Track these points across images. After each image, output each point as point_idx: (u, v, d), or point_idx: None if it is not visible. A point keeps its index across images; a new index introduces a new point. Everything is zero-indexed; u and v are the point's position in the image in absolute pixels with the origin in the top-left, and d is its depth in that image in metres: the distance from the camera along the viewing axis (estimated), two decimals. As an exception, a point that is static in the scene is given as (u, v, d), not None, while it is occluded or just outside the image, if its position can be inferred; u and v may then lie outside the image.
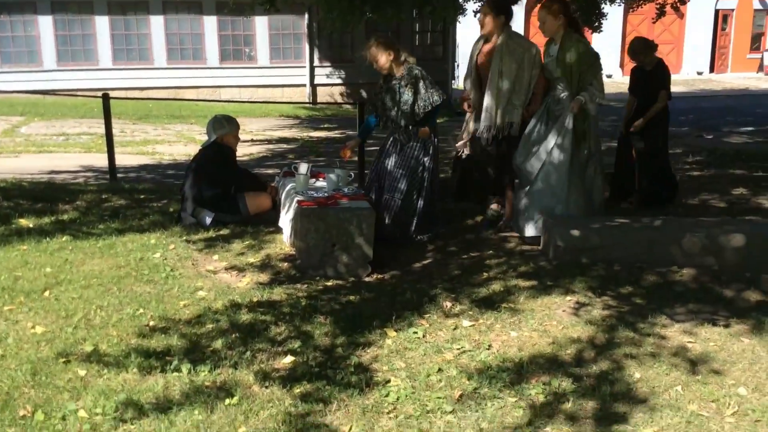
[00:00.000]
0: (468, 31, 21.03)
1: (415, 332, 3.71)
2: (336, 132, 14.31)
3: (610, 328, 3.80)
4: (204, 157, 5.82)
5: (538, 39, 5.48)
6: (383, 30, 20.03)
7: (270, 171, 9.62)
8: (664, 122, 6.47)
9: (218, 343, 3.48)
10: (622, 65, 25.81)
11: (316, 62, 20.12)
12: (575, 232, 4.90)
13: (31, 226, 5.50)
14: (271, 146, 12.54)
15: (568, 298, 4.23)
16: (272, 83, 20.08)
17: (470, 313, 4.00)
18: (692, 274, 4.65)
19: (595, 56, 5.32)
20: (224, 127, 5.83)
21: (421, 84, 5.23)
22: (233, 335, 3.59)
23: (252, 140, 13.25)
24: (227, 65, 19.87)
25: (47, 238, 5.09)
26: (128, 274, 4.43)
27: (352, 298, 4.24)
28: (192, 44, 19.71)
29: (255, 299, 4.11)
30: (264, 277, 4.57)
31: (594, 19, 12.52)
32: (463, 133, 5.86)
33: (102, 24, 19.07)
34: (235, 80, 19.82)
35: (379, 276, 4.77)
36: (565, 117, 5.24)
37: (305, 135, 14.05)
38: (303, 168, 5.47)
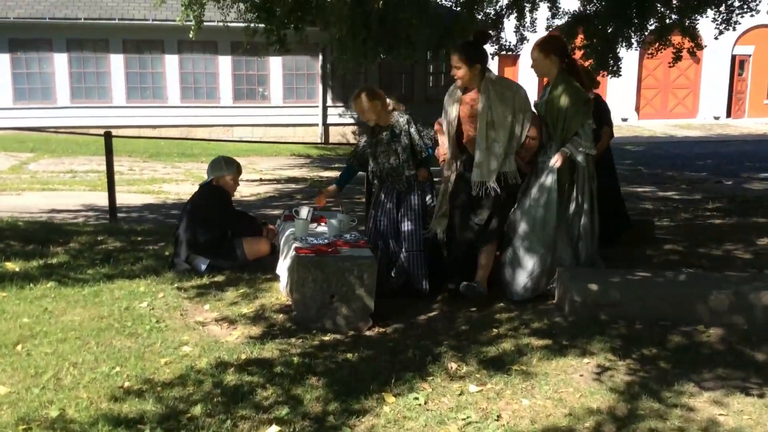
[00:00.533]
0: (482, 72, 20.97)
1: (416, 398, 3.36)
2: (346, 173, 14.05)
3: (632, 398, 3.43)
4: (199, 198, 5.56)
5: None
6: (397, 72, 20.02)
7: (275, 212, 9.35)
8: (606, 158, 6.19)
9: (197, 409, 3.14)
10: (637, 109, 25.61)
11: (329, 102, 20.06)
12: (593, 287, 4.55)
13: (17, 270, 5.23)
14: (279, 186, 12.33)
15: (586, 360, 3.87)
16: (285, 122, 20.02)
17: (477, 376, 3.65)
18: (720, 334, 4.28)
19: (585, 101, 4.90)
20: (222, 168, 5.57)
21: (413, 129, 5.07)
22: (215, 399, 3.25)
23: (261, 179, 13.06)
24: (240, 104, 19.85)
25: (31, 284, 4.82)
26: (110, 326, 4.12)
27: (349, 355, 3.90)
28: (206, 83, 19.74)
29: (243, 356, 3.78)
30: (256, 330, 4.25)
31: (610, 63, 12.33)
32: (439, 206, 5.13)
33: (117, 62, 19.15)
34: (248, 119, 19.78)
35: (381, 330, 4.45)
36: (548, 171, 4.89)
37: (315, 175, 13.85)
38: (303, 212, 5.19)
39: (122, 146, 17.14)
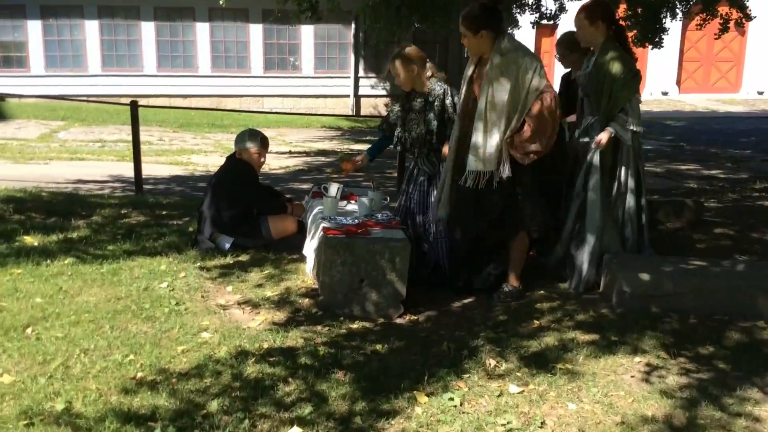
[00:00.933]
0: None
1: (451, 398, 3.07)
2: (378, 145, 13.71)
3: (690, 404, 3.10)
4: (223, 173, 5.30)
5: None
6: (431, 41, 19.50)
7: (304, 186, 9.10)
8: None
9: (214, 405, 2.90)
10: (678, 83, 24.75)
11: (361, 73, 19.68)
12: (644, 276, 4.20)
13: (35, 244, 5.03)
14: (308, 159, 12.06)
15: (637, 359, 3.54)
16: (316, 93, 19.70)
17: (518, 374, 3.35)
18: (783, 331, 3.93)
19: (634, 74, 4.49)
20: (245, 141, 5.28)
21: (448, 100, 4.59)
22: (233, 394, 3.01)
23: (290, 152, 12.80)
24: (271, 74, 19.56)
25: (48, 260, 4.61)
26: (127, 307, 3.89)
27: (378, 347, 3.62)
28: (237, 52, 19.46)
29: (266, 345, 3.53)
30: (280, 316, 3.99)
31: (655, 34, 11.76)
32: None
33: (148, 30, 18.96)
34: (278, 89, 19.49)
35: (413, 318, 4.16)
36: (592, 152, 4.52)
37: (345, 147, 13.55)
38: (333, 189, 4.89)
39: (152, 116, 17.05)
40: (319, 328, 3.86)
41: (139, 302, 3.99)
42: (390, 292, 4.19)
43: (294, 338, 3.66)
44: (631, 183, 4.61)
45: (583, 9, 4.58)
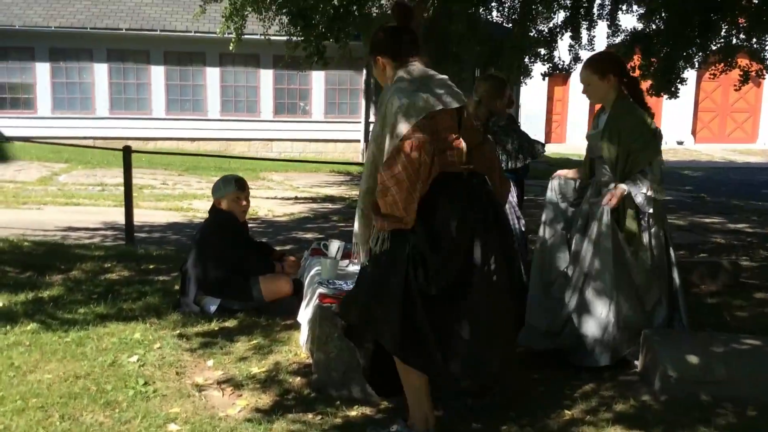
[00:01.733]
0: (533, 92, 19.99)
1: None
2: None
3: None
4: (205, 227, 4.77)
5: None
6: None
7: (308, 235, 8.57)
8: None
9: None
10: (694, 132, 24.28)
11: (372, 118, 19.32)
12: (692, 359, 3.60)
13: (0, 305, 4.49)
14: (315, 206, 11.55)
15: (693, 466, 2.92)
16: (326, 138, 19.36)
17: (551, 486, 2.74)
18: None
19: (654, 133, 3.91)
20: (220, 189, 4.74)
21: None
22: None
23: (296, 198, 12.32)
24: (281, 118, 19.26)
25: (8, 326, 4.06)
26: (85, 389, 3.32)
27: (381, 443, 3.02)
28: (247, 96, 19.21)
29: (244, 442, 2.94)
30: (266, 400, 3.40)
31: (671, 84, 11.37)
32: None
33: (157, 74, 18.75)
34: (288, 134, 19.17)
35: (422, 402, 3.55)
36: (600, 213, 3.92)
37: (353, 194, 13.04)
38: (333, 248, 4.35)
39: (159, 159, 16.70)
40: (310, 416, 3.27)
41: (101, 382, 3.41)
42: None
43: (279, 431, 3.07)
44: (654, 253, 4.01)
45: (591, 62, 4.05)
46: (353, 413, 3.35)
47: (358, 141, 19.37)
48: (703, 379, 3.56)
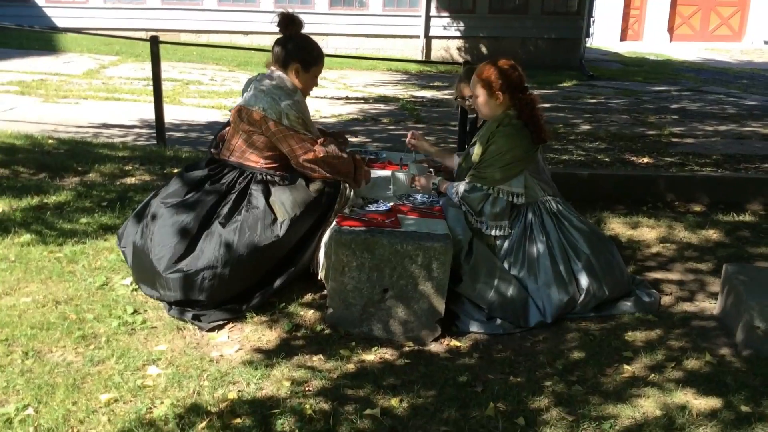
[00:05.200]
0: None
1: None
2: (445, 92, 12.42)
3: None
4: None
5: None
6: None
7: (354, 139, 7.98)
8: None
9: None
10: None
11: (433, 11, 18.18)
12: (788, 309, 2.93)
13: None
14: (366, 106, 10.86)
15: (785, 450, 2.33)
16: (383, 33, 18.33)
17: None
18: None
19: (516, 159, 3.35)
20: None
21: None
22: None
23: (347, 98, 11.63)
24: (337, 11, 18.26)
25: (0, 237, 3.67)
26: (62, 318, 2.89)
27: (395, 402, 2.52)
28: (302, -14, 18.20)
29: (233, 395, 2.47)
30: (269, 336, 2.93)
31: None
32: None
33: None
34: (343, 28, 18.21)
35: (454, 343, 3.04)
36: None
37: (408, 94, 12.27)
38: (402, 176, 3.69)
39: (210, 53, 16.13)
40: (318, 360, 2.78)
41: (83, 309, 2.98)
42: (424, 309, 3.07)
43: (277, 381, 2.59)
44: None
45: (477, 75, 3.48)
46: (370, 357, 2.85)
47: (418, 37, 18.31)
48: (799, 333, 2.90)
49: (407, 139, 4.00)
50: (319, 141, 3.35)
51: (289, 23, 3.43)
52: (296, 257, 3.25)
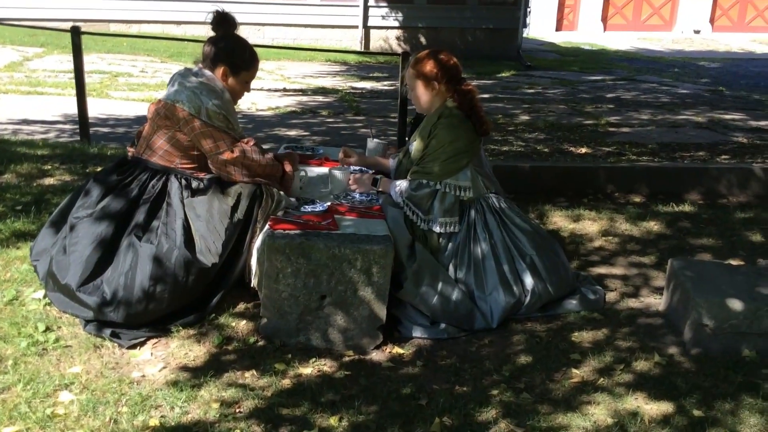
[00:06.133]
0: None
1: None
2: (384, 83, 12.27)
3: None
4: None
5: None
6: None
7: (291, 132, 7.75)
8: None
9: None
10: (712, 21, 22.70)
11: (371, 1, 17.97)
12: (734, 305, 2.86)
13: None
14: (304, 98, 10.61)
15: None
16: (322, 23, 18.02)
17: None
18: None
19: (461, 151, 3.25)
20: None
21: None
22: None
23: (284, 90, 11.35)
24: (274, 0, 17.87)
25: None
26: (-35, 338, 2.62)
27: (333, 421, 2.34)
28: (237, -25, 17.72)
29: (154, 422, 2.25)
30: (198, 352, 2.71)
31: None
32: None
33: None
34: (281, 18, 17.82)
35: (396, 351, 2.89)
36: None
37: (347, 86, 12.07)
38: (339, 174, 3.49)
39: (142, 44, 15.56)
40: (251, 376, 2.58)
41: (-10, 328, 2.71)
42: (363, 315, 2.90)
43: (205, 403, 2.38)
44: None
45: (413, 66, 3.36)
46: (307, 370, 2.67)
47: (356, 27, 18.08)
48: (747, 328, 2.85)
49: (339, 156, 3.79)
50: (243, 141, 3.14)
51: (222, 22, 3.27)
52: (227, 275, 3.03)
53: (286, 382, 2.56)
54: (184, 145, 3.06)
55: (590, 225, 4.42)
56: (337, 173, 3.46)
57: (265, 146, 4.62)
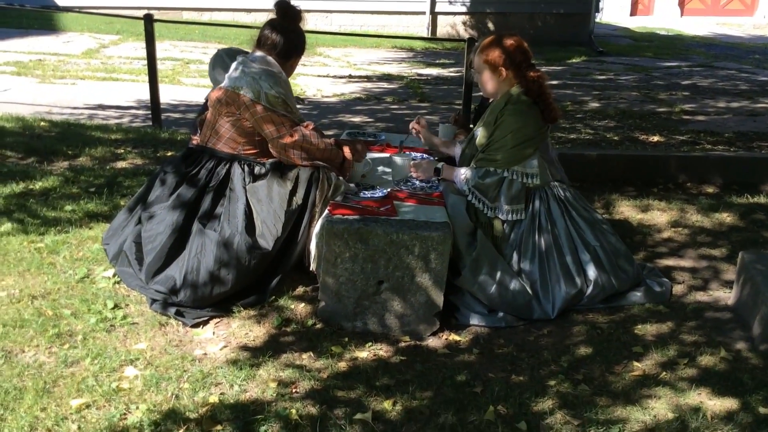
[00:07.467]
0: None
1: None
2: (451, 70, 12.17)
3: None
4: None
5: None
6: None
7: (356, 119, 7.78)
8: None
9: None
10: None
11: (440, -13, 17.83)
12: (810, 301, 2.74)
13: (-18, 198, 3.95)
14: (369, 85, 10.64)
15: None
16: (389, 9, 17.98)
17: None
18: None
19: (528, 138, 3.15)
20: None
21: None
22: None
23: (350, 76, 11.40)
24: (340, -13, 17.92)
25: (-22, 227, 3.51)
26: (37, 314, 2.74)
27: (387, 404, 2.36)
28: (305, -38, 17.84)
29: (213, 398, 2.31)
30: (258, 332, 2.77)
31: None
32: None
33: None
34: (348, 4, 17.87)
35: (453, 338, 2.88)
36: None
37: (413, 72, 12.03)
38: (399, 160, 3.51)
39: (213, 32, 15.89)
40: (308, 358, 2.62)
41: (61, 305, 2.82)
42: (421, 302, 2.90)
43: (263, 382, 2.44)
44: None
45: (481, 51, 3.30)
46: (363, 354, 2.69)
47: (424, 13, 17.97)
48: (822, 327, 2.72)
49: (412, 124, 3.79)
50: (303, 125, 3.18)
51: (288, 12, 3.42)
52: (286, 257, 3.09)
53: (342, 365, 2.59)
54: (247, 131, 3.12)
55: (659, 216, 4.30)
56: (398, 159, 3.46)
57: (328, 132, 4.68)
